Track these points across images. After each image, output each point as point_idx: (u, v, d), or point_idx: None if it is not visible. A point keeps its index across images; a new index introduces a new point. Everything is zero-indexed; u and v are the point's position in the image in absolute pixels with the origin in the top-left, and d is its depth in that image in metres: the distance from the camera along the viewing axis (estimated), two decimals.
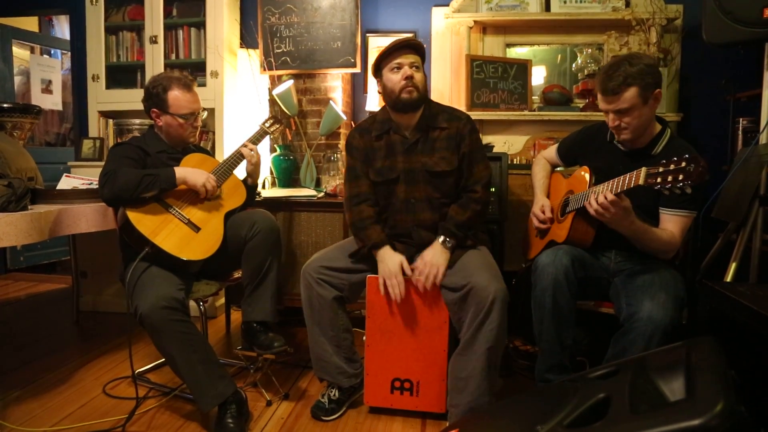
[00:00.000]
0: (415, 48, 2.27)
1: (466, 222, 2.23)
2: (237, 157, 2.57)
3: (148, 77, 3.71)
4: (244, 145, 2.59)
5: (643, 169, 1.81)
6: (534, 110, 3.52)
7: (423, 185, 2.30)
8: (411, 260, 2.29)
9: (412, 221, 2.31)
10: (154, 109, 2.46)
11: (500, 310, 2.03)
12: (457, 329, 2.18)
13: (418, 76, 2.25)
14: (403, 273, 2.21)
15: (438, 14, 3.68)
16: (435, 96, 3.67)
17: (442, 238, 2.21)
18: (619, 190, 1.90)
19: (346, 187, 2.43)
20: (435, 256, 2.19)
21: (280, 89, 3.47)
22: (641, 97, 2.00)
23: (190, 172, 2.34)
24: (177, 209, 2.34)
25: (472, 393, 2.09)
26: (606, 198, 1.89)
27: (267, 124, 2.76)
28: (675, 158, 1.72)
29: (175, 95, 2.42)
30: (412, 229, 2.31)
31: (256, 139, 2.68)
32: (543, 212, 2.39)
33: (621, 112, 2.04)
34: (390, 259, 2.23)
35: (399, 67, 2.24)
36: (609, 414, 1.29)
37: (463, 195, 2.31)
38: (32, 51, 5.71)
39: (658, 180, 1.75)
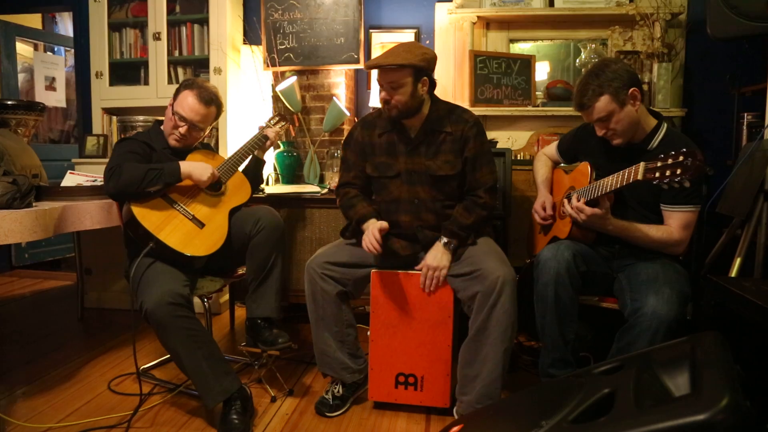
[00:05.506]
0: (395, 64, 2.13)
1: (470, 226, 2.23)
2: (243, 154, 2.58)
3: (151, 74, 3.75)
4: (268, 127, 2.72)
5: (642, 164, 1.84)
6: (538, 106, 3.51)
7: (427, 187, 2.29)
8: (416, 259, 2.29)
9: (417, 221, 2.31)
10: (172, 97, 2.49)
11: (509, 293, 2.04)
12: (468, 316, 2.17)
13: (397, 96, 2.17)
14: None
15: (441, 10, 3.67)
16: (438, 92, 3.59)
17: (444, 240, 2.21)
18: (618, 186, 1.93)
19: (339, 177, 2.48)
20: (437, 259, 2.19)
21: (283, 86, 3.47)
22: (615, 102, 2.04)
23: (195, 166, 2.35)
24: (182, 205, 2.34)
25: (485, 379, 2.08)
26: (574, 205, 1.99)
27: (272, 122, 2.78)
28: (672, 152, 1.74)
29: (186, 95, 2.43)
30: (416, 230, 2.31)
31: (276, 122, 2.79)
32: (544, 209, 2.39)
33: (602, 120, 2.08)
34: (371, 225, 2.23)
35: (381, 85, 2.22)
36: (614, 409, 1.29)
37: (467, 197, 2.29)
38: (36, 48, 5.72)
39: (657, 175, 1.77)
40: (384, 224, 2.22)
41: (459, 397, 2.18)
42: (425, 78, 2.22)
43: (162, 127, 2.53)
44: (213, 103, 2.47)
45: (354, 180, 2.41)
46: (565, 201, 2.04)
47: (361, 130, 2.40)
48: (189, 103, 2.42)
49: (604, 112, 2.05)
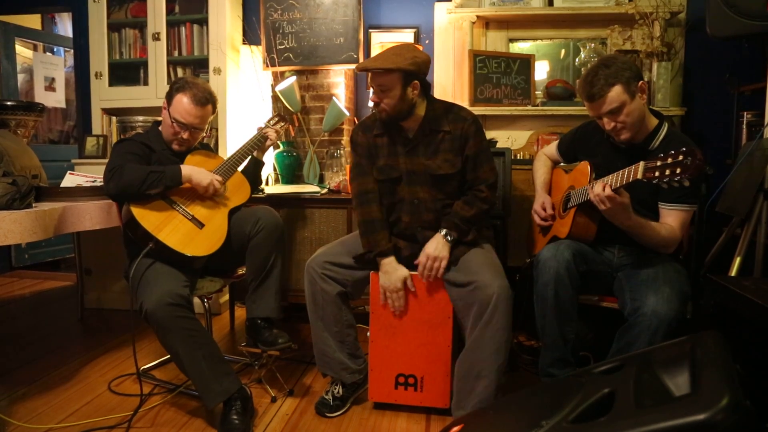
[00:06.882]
0: (383, 68, 2.13)
1: (470, 218, 2.22)
2: (242, 154, 2.58)
3: (150, 74, 3.75)
4: (267, 128, 2.71)
5: (641, 164, 1.82)
6: (537, 105, 3.51)
7: (426, 187, 2.28)
8: (414, 258, 2.28)
9: (417, 222, 2.31)
10: (165, 100, 2.46)
11: (505, 309, 2.03)
12: (461, 327, 2.17)
13: (386, 100, 2.17)
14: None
15: (440, 9, 3.67)
16: (438, 92, 3.67)
17: (444, 231, 2.20)
18: (618, 185, 1.91)
19: (353, 185, 2.41)
20: (437, 249, 2.18)
21: (282, 86, 3.47)
22: (627, 92, 2.01)
23: (196, 171, 2.35)
24: (181, 205, 2.34)
25: (480, 394, 2.08)
26: (604, 191, 1.90)
27: (272, 122, 2.78)
28: (672, 152, 1.73)
29: (181, 99, 2.40)
30: (416, 231, 2.30)
31: (275, 123, 2.78)
32: (544, 209, 2.39)
33: (613, 112, 2.04)
34: (394, 272, 2.22)
35: (372, 87, 2.22)
36: (614, 409, 1.29)
37: (468, 192, 2.29)
38: (35, 49, 5.72)
39: (656, 174, 1.76)
40: (407, 277, 2.23)
41: (454, 411, 2.17)
42: (416, 82, 2.19)
43: (160, 129, 2.52)
44: (209, 101, 2.45)
45: (374, 186, 2.35)
46: (596, 185, 1.99)
47: (362, 134, 2.38)
48: (186, 108, 2.39)
49: (616, 103, 2.01)
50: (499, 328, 2.03)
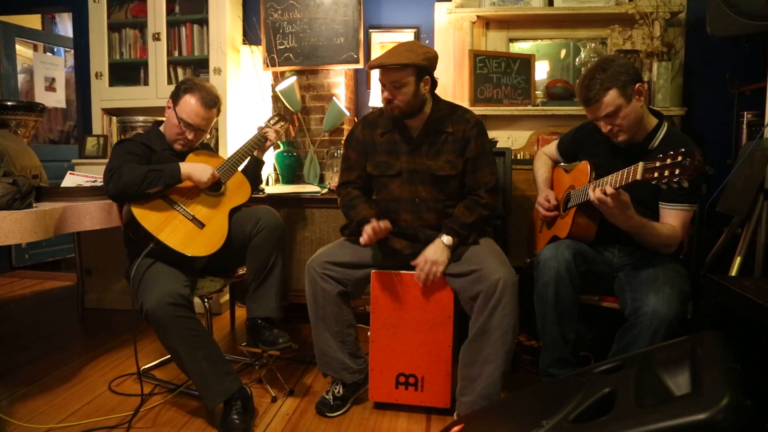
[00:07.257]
0: (398, 64, 2.12)
1: (471, 224, 2.22)
2: (242, 154, 2.59)
3: (151, 74, 3.75)
4: (267, 127, 2.71)
5: (640, 164, 1.81)
6: (537, 105, 3.51)
7: (428, 186, 2.29)
8: (416, 257, 2.28)
9: (418, 221, 2.31)
10: (170, 99, 2.47)
11: (511, 295, 2.04)
12: (469, 317, 2.17)
13: (399, 95, 2.17)
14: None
15: (441, 9, 3.67)
16: (438, 92, 3.63)
17: (444, 237, 2.20)
18: (617, 186, 1.90)
19: (339, 175, 2.48)
20: (436, 254, 2.18)
21: (283, 86, 3.47)
22: (623, 96, 2.01)
23: (195, 167, 2.35)
24: (181, 206, 2.34)
25: (486, 380, 2.08)
26: (605, 192, 1.89)
27: (272, 122, 2.78)
28: (671, 152, 1.72)
29: (189, 100, 2.41)
30: (417, 229, 2.31)
31: (275, 122, 2.78)
32: (548, 201, 2.38)
33: (609, 116, 2.05)
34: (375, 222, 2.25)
35: (383, 85, 2.21)
36: (614, 408, 1.29)
37: (468, 197, 2.29)
38: (35, 49, 5.72)
39: (655, 175, 1.75)
40: (388, 224, 2.24)
41: (459, 398, 2.18)
42: (427, 77, 2.21)
43: (162, 129, 2.52)
44: (215, 105, 2.47)
45: (356, 180, 2.42)
46: (593, 188, 1.98)
47: (363, 129, 2.39)
48: (194, 109, 2.40)
49: (611, 107, 2.02)
50: (506, 314, 2.04)
